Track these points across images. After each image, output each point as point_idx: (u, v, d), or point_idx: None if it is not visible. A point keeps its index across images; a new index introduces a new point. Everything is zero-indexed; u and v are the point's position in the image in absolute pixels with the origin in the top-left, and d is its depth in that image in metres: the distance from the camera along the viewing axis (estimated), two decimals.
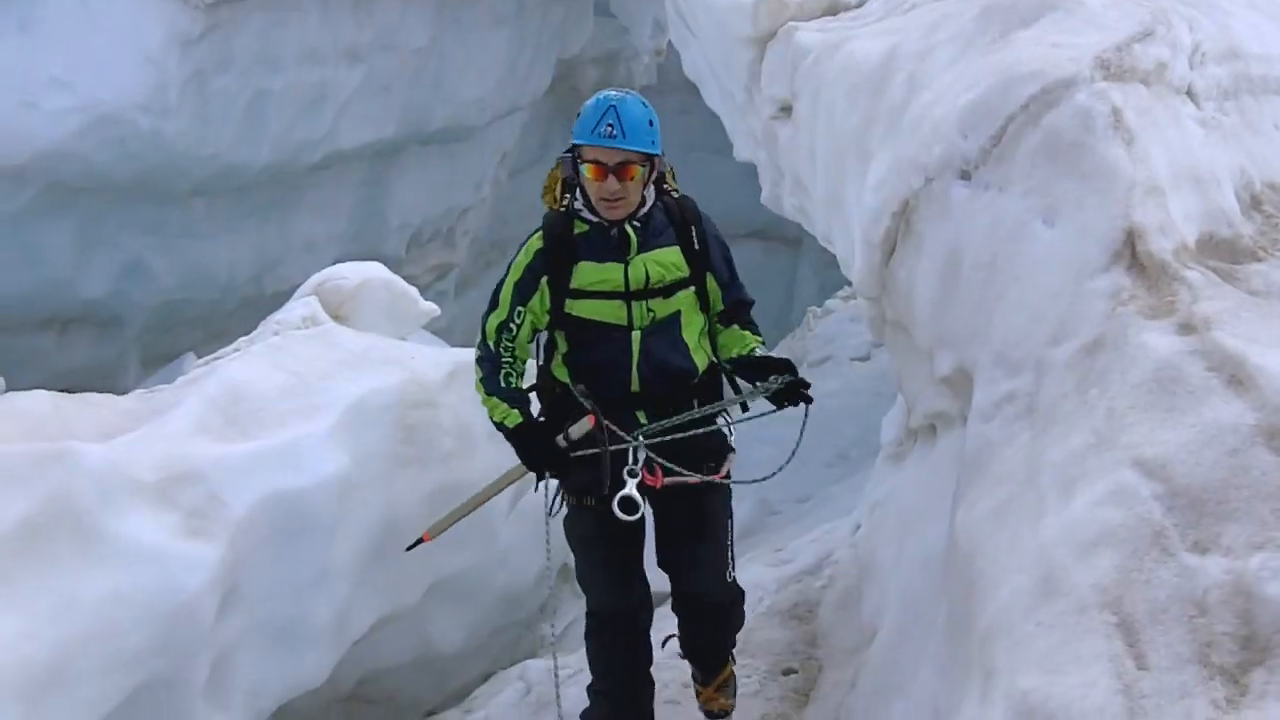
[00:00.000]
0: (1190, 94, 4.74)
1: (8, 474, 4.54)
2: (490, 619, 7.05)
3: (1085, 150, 4.18)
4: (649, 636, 4.57)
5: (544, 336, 4.47)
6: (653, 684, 4.60)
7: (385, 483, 6.00)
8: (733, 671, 4.82)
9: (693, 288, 4.35)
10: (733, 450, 4.50)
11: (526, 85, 18.29)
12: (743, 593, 4.64)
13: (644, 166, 4.23)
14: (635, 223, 4.27)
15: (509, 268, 4.37)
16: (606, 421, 4.24)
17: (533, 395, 4.51)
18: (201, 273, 14.08)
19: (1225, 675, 2.73)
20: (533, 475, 4.43)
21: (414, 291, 7.37)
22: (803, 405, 4.43)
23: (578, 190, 4.31)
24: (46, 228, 12.84)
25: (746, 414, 4.57)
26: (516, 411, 4.33)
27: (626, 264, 4.25)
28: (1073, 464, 3.32)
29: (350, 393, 5.88)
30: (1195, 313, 3.59)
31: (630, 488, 4.20)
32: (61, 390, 5.72)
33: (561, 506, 4.53)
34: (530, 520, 6.53)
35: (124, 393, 6.32)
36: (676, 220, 4.37)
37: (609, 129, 4.14)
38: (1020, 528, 3.35)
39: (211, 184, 13.50)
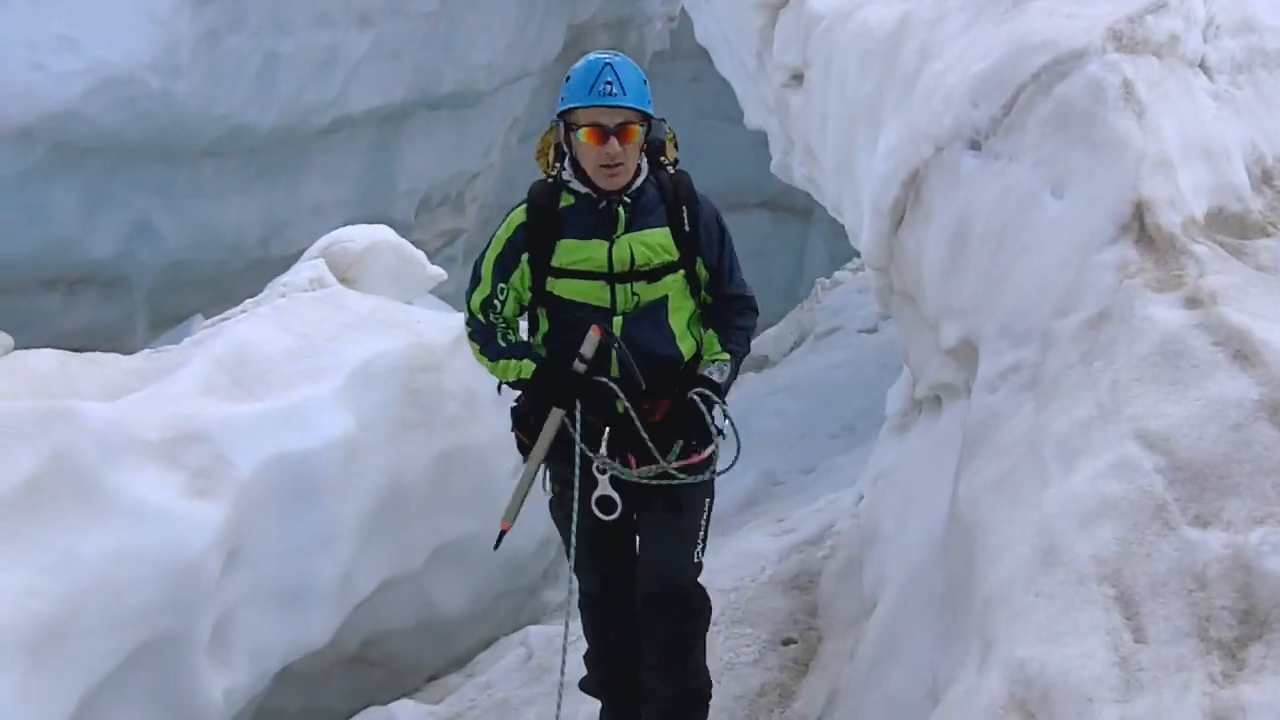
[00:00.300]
0: (1203, 67, 4.71)
1: (12, 431, 4.57)
2: (493, 584, 7.08)
3: (1096, 121, 4.16)
4: None
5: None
6: None
7: (390, 446, 6.01)
8: None
9: (682, 272, 4.02)
10: (714, 441, 4.08)
11: (537, 50, 18.22)
12: (709, 602, 4.24)
13: (642, 128, 3.95)
14: (625, 198, 3.97)
15: (490, 240, 4.10)
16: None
17: None
18: (209, 234, 14.08)
19: (1223, 649, 2.73)
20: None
21: (421, 255, 7.37)
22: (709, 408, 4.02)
23: (566, 160, 4.02)
24: (54, 188, 12.83)
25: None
26: (527, 362, 4.03)
27: (611, 243, 3.95)
28: (1076, 436, 3.32)
29: (356, 355, 5.89)
30: (1202, 287, 3.57)
31: (604, 486, 3.95)
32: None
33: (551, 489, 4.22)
34: (534, 486, 6.53)
35: (130, 354, 6.34)
36: (669, 198, 4.04)
37: (608, 86, 3.86)
38: (1022, 499, 3.35)
39: (220, 145, 13.49)
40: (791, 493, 8.31)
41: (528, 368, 4.02)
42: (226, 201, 14.07)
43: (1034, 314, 3.93)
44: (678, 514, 4.06)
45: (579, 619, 4.35)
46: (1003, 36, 4.77)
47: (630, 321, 3.96)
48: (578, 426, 3.95)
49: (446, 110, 16.70)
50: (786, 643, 5.27)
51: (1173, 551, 2.92)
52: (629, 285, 3.96)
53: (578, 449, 3.94)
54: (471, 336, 4.13)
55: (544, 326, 4.08)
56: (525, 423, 4.09)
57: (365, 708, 6.10)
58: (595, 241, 3.95)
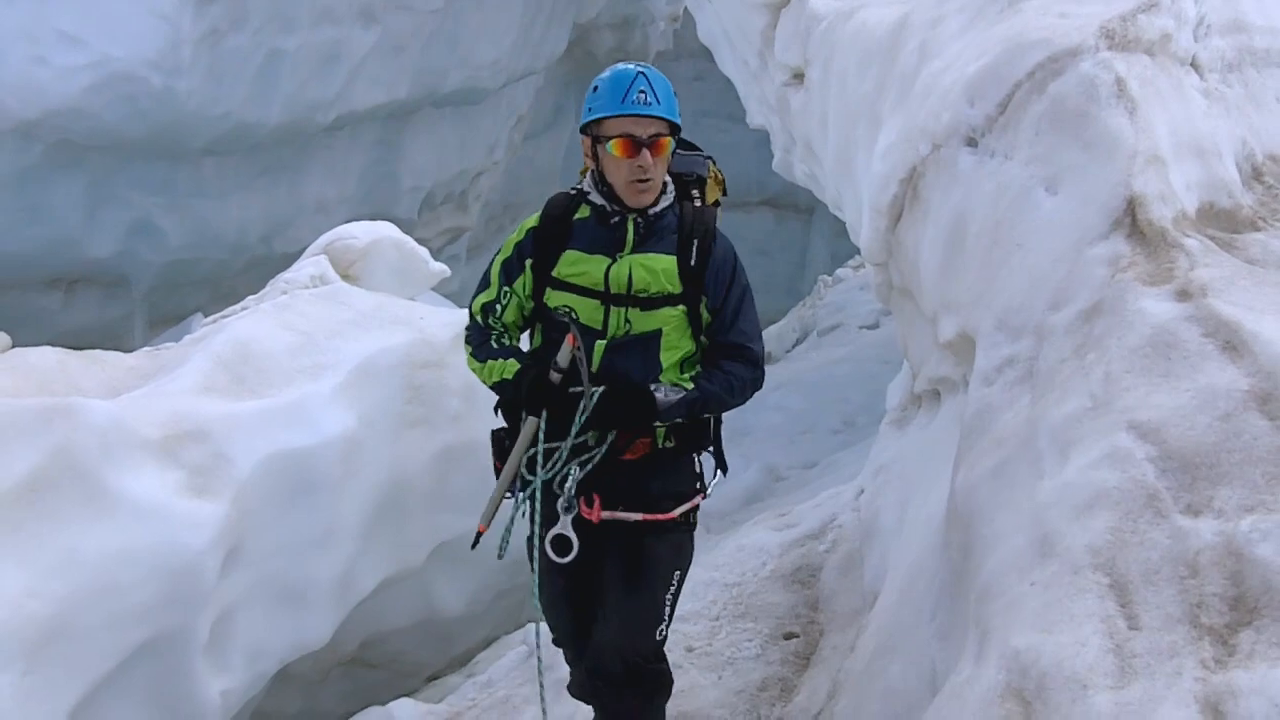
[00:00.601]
0: (1194, 65, 4.74)
1: (13, 428, 4.56)
2: (494, 583, 7.06)
3: (1088, 119, 4.19)
4: None
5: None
6: None
7: (391, 443, 6.00)
8: None
9: (683, 308, 3.78)
10: (703, 493, 3.92)
11: (541, 49, 18.25)
12: (669, 673, 3.98)
13: (672, 141, 3.79)
14: (639, 218, 3.80)
15: (502, 245, 3.98)
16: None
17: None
18: (210, 233, 14.10)
19: (1214, 635, 2.77)
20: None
21: (424, 252, 7.37)
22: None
23: (590, 173, 3.86)
24: (55, 186, 12.86)
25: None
26: (511, 361, 3.86)
27: (613, 261, 3.77)
28: (1070, 427, 3.36)
29: (358, 352, 5.89)
30: (1193, 279, 3.61)
31: (564, 525, 3.73)
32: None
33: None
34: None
35: (130, 353, 6.33)
36: (685, 228, 3.83)
37: (641, 96, 3.70)
38: (1017, 490, 3.39)
39: (222, 143, 13.51)
40: (793, 488, 8.33)
41: (511, 367, 3.86)
42: (228, 200, 14.08)
43: (1029, 308, 3.96)
44: (643, 587, 3.83)
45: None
46: (998, 36, 4.80)
47: (613, 348, 3.76)
48: (539, 453, 3.78)
49: (450, 108, 16.73)
50: (788, 637, 5.29)
51: (1165, 540, 2.96)
52: (624, 310, 3.76)
53: (538, 479, 3.77)
54: (467, 340, 4.02)
55: (538, 341, 3.94)
56: (498, 441, 4.00)
57: (364, 709, 6.09)
58: (598, 257, 3.79)
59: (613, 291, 3.76)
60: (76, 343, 6.81)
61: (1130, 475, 3.11)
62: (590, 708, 4.25)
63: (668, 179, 3.88)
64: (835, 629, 5.20)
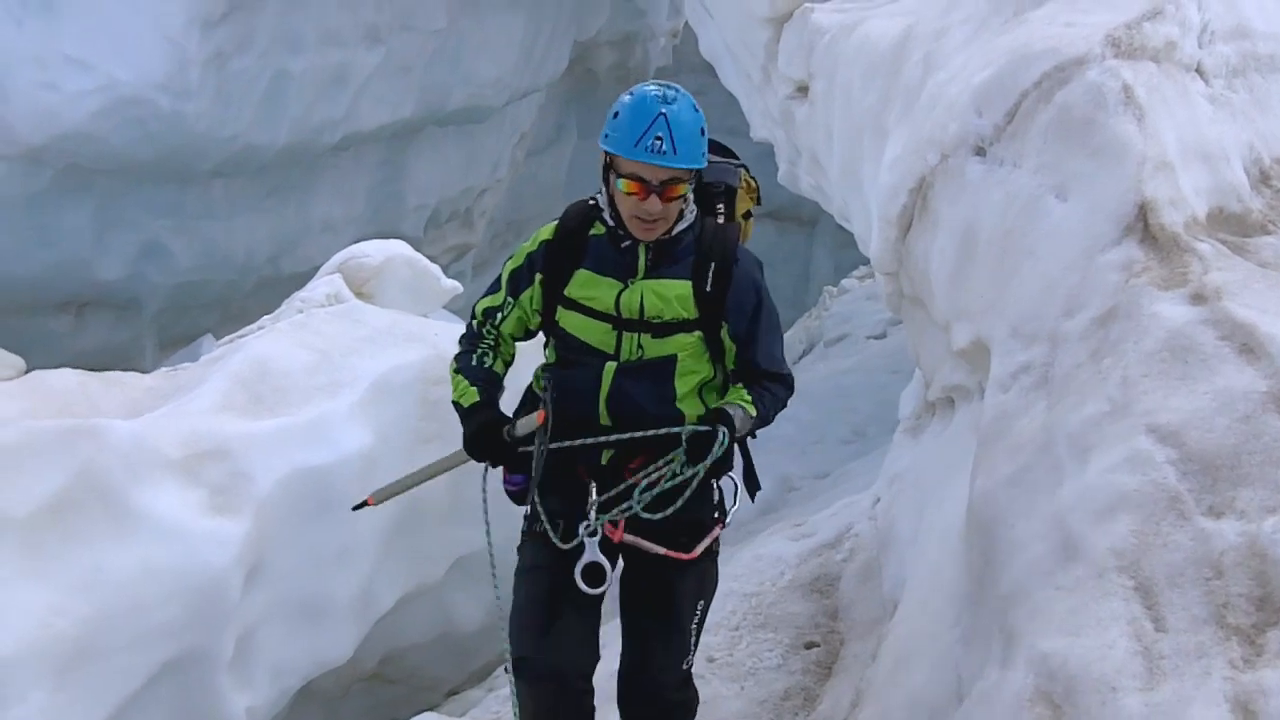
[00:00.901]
0: (1199, 71, 4.78)
1: (38, 449, 4.59)
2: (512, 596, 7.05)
3: (1097, 126, 4.23)
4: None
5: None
6: None
7: (408, 458, 6.00)
8: None
9: (698, 334, 3.61)
10: (723, 523, 3.76)
11: (543, 67, 18.33)
12: (695, 694, 3.86)
13: (690, 184, 3.57)
14: (651, 244, 3.60)
15: (514, 252, 3.80)
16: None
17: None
18: (219, 254, 14.15)
19: (1241, 635, 2.80)
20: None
21: (436, 269, 7.40)
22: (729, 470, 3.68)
23: (603, 189, 3.65)
24: (65, 209, 12.93)
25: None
26: (475, 389, 3.71)
27: (625, 286, 3.59)
28: (1089, 431, 3.39)
29: (374, 369, 5.91)
30: (1206, 283, 3.64)
31: (592, 551, 3.55)
32: None
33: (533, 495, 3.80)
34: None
35: (146, 374, 6.37)
36: (702, 250, 3.62)
37: (657, 143, 3.44)
38: (1038, 495, 3.42)
39: (230, 165, 13.57)
40: (807, 498, 8.37)
41: (470, 396, 3.72)
42: (236, 221, 14.14)
43: (1043, 315, 3.99)
44: (672, 628, 3.70)
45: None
46: (1004, 46, 4.84)
47: (624, 373, 3.60)
48: (535, 478, 3.63)
49: (454, 126, 16.80)
50: (809, 646, 5.31)
51: (1188, 541, 2.99)
52: (636, 335, 3.59)
53: (540, 457, 3.60)
54: (460, 339, 3.88)
55: (550, 356, 3.78)
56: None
57: None
58: (609, 281, 3.61)
59: (624, 317, 3.60)
60: (87, 365, 6.84)
61: (1151, 478, 3.15)
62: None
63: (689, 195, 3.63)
64: (855, 638, 5.22)
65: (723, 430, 3.54)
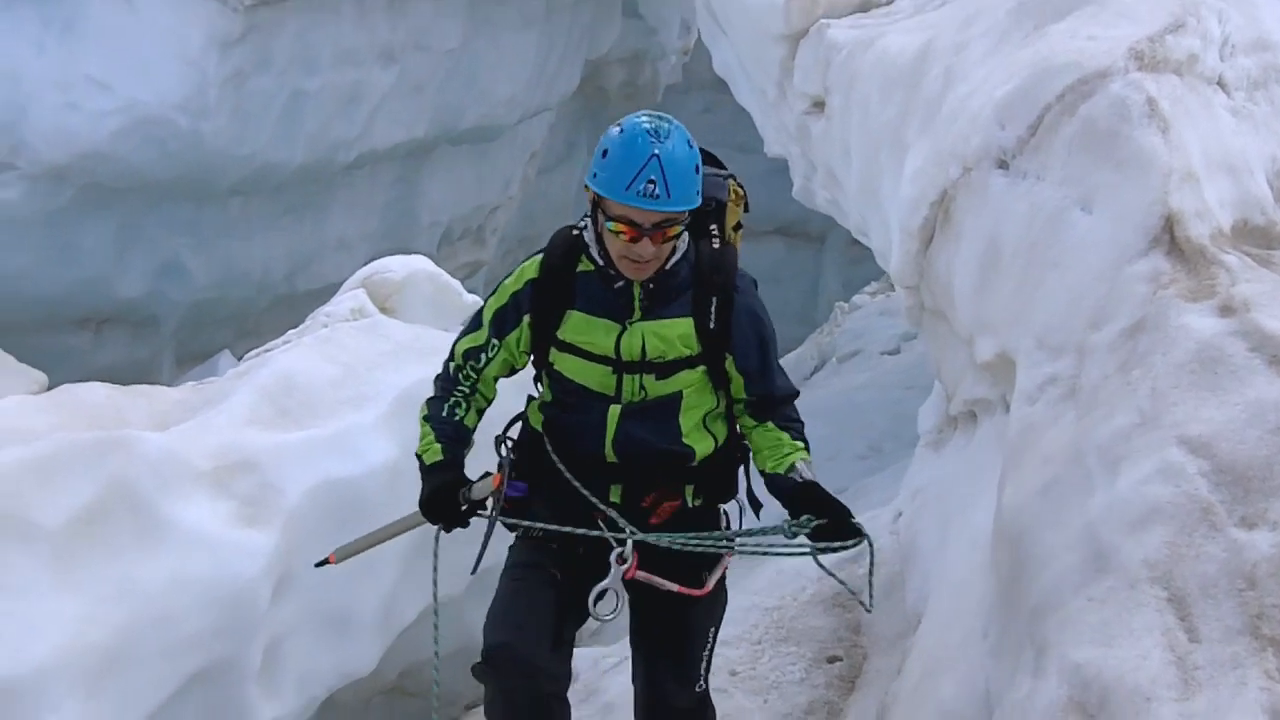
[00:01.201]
0: (1221, 84, 4.81)
1: (70, 461, 4.63)
2: None
3: (1121, 139, 4.26)
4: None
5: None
6: None
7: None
8: None
9: (703, 367, 3.50)
10: (730, 552, 3.66)
11: (555, 85, 18.39)
12: (713, 712, 3.81)
13: (684, 222, 3.40)
14: (649, 282, 3.44)
15: (497, 288, 3.66)
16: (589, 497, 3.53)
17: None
18: (236, 271, 14.21)
19: (1276, 646, 2.82)
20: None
21: (457, 284, 7.44)
22: (862, 542, 3.55)
23: (590, 225, 3.49)
24: (85, 227, 13.00)
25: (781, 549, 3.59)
26: (439, 446, 3.61)
27: (623, 329, 3.45)
28: (1118, 443, 3.40)
29: (398, 383, 5.94)
30: (1235, 295, 3.66)
31: (614, 578, 3.44)
32: None
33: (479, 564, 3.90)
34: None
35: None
36: (702, 283, 3.48)
37: (649, 187, 3.26)
38: (1068, 506, 3.43)
39: (248, 183, 13.64)
40: None
41: (433, 454, 3.62)
42: (253, 239, 14.20)
43: (1069, 326, 4.01)
44: (686, 658, 3.66)
45: (615, 640, 3.97)
46: (1026, 59, 4.87)
47: (628, 415, 3.49)
48: (483, 547, 3.66)
49: (467, 145, 16.87)
50: (831, 660, 5.32)
51: (1221, 553, 3.00)
52: (638, 376, 3.47)
53: (491, 526, 3.60)
54: (435, 380, 3.75)
55: (546, 395, 3.66)
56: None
57: None
58: (605, 323, 3.47)
59: (625, 360, 3.47)
60: (106, 381, 6.89)
61: (1183, 489, 3.16)
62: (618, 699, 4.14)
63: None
64: (879, 652, 5.23)
65: (866, 537, 3.49)
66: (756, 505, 3.78)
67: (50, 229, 12.77)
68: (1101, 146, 4.31)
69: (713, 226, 3.61)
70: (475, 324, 3.66)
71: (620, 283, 3.44)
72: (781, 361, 3.74)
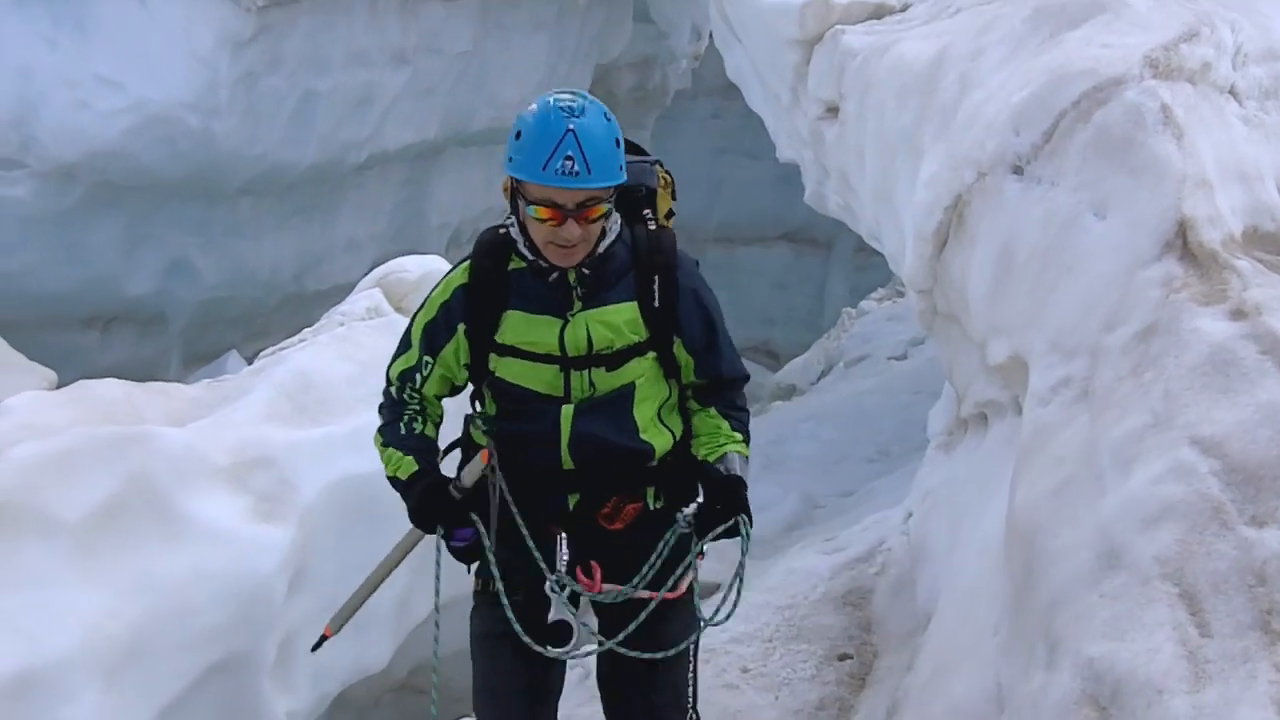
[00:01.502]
0: (1233, 93, 4.86)
1: (91, 456, 4.67)
2: None
3: (1136, 145, 4.31)
4: None
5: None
6: None
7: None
8: None
9: (652, 354, 3.33)
10: (700, 553, 3.38)
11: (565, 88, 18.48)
12: None
13: (609, 202, 3.20)
14: (584, 268, 3.25)
15: (424, 302, 3.46)
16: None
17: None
18: (245, 271, 14.26)
19: None
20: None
21: None
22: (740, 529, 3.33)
23: (512, 217, 3.32)
24: (94, 226, 13.06)
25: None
26: (411, 459, 3.42)
27: (565, 322, 3.27)
28: (1131, 444, 3.46)
29: None
30: (1246, 299, 3.71)
31: (558, 608, 3.23)
32: None
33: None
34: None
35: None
36: (642, 264, 3.30)
37: (568, 163, 3.08)
38: (1080, 505, 3.48)
39: (258, 183, 13.69)
40: (833, 515, 8.39)
41: (406, 467, 3.43)
42: (263, 239, 14.24)
43: (1082, 329, 4.06)
44: (667, 682, 3.44)
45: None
46: (1042, 66, 4.92)
47: (582, 414, 3.30)
48: (491, 535, 3.39)
49: (476, 147, 16.93)
50: (842, 658, 5.36)
51: (1232, 550, 3.05)
52: (586, 372, 3.28)
53: (497, 495, 3.32)
54: (380, 410, 3.54)
55: (490, 409, 3.44)
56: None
57: None
58: (546, 319, 3.28)
59: (571, 355, 3.28)
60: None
61: (1195, 488, 3.22)
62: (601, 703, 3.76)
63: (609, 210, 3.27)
64: (889, 650, 5.27)
65: (744, 524, 3.30)
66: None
67: (59, 227, 12.84)
68: (1116, 153, 4.36)
69: (646, 211, 3.43)
70: (405, 344, 3.47)
71: (554, 274, 3.26)
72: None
